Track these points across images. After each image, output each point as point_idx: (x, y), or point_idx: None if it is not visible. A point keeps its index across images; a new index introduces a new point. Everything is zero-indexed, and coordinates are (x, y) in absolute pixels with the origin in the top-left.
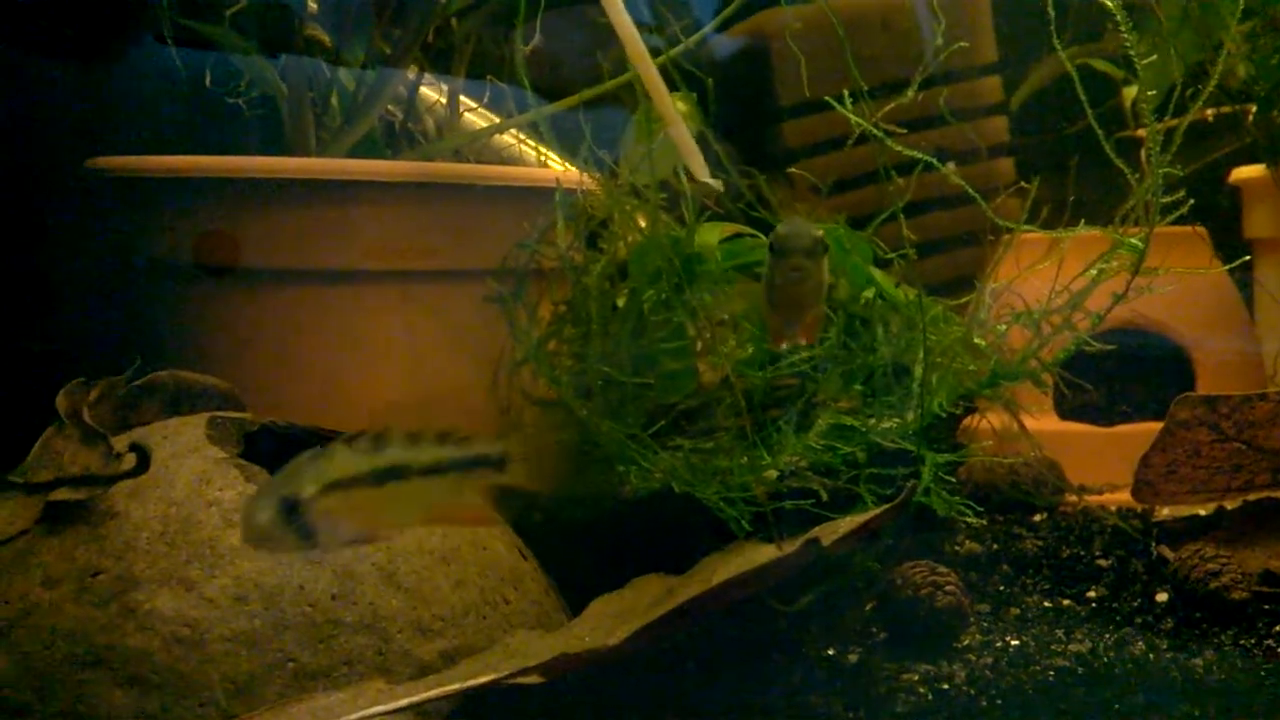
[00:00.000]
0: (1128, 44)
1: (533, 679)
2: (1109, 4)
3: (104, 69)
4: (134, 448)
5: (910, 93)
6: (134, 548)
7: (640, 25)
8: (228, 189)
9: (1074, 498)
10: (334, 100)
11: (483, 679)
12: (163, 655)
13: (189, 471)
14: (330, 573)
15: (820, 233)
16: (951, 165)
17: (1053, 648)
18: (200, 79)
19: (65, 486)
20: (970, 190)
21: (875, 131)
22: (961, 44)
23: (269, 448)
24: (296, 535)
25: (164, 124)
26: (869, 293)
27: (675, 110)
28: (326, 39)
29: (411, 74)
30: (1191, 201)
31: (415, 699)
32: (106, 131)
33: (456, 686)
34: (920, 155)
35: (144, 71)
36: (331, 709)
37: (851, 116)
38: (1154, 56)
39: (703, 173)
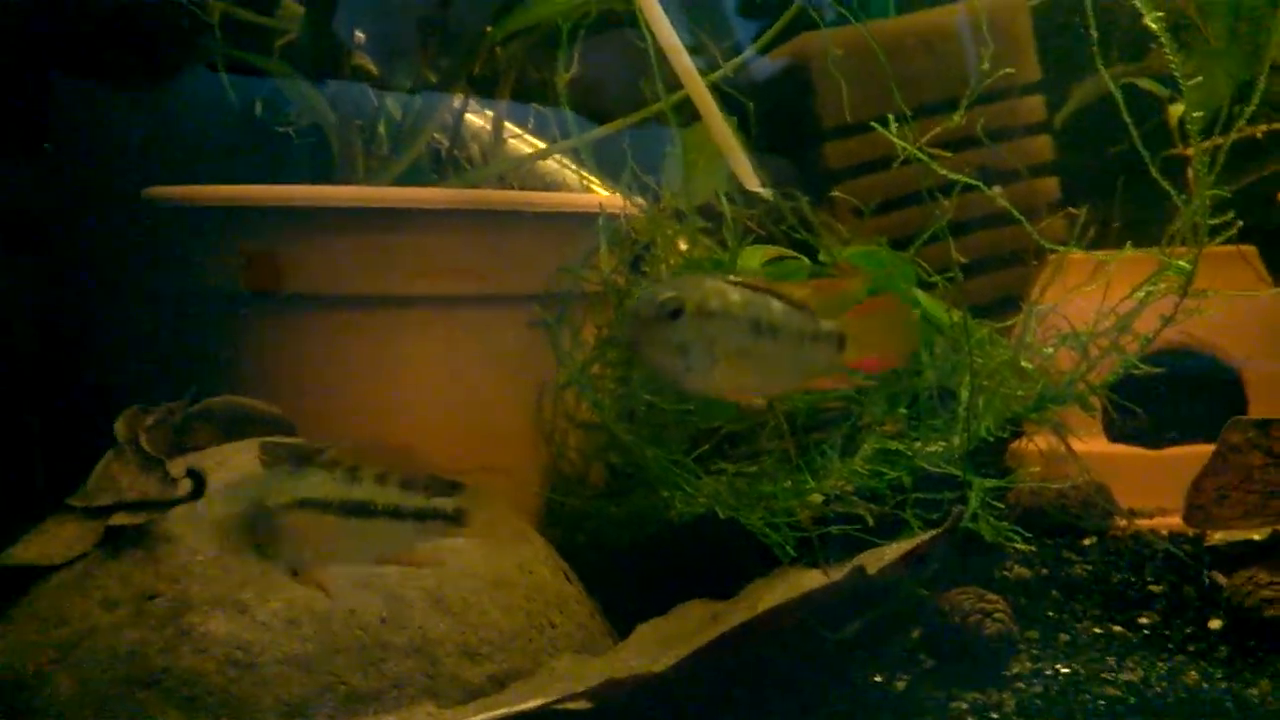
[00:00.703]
0: (1173, 64)
1: (580, 705)
2: (1153, 25)
3: (159, 99)
4: (189, 473)
5: (957, 116)
6: (189, 571)
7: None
8: (278, 217)
9: (1124, 522)
10: (381, 128)
11: (531, 704)
12: (217, 677)
13: None
14: (380, 597)
15: (682, 294)
16: (997, 187)
17: (1104, 675)
18: (251, 108)
19: (123, 511)
20: (1014, 211)
21: (918, 154)
22: (1006, 69)
23: None
24: (254, 541)
25: (217, 153)
26: (915, 314)
27: (723, 122)
28: (374, 68)
29: (457, 101)
30: (1240, 223)
31: None
32: (161, 161)
33: (504, 711)
34: (964, 178)
35: (197, 101)
36: None
37: (895, 140)
38: (1199, 77)
39: (752, 182)
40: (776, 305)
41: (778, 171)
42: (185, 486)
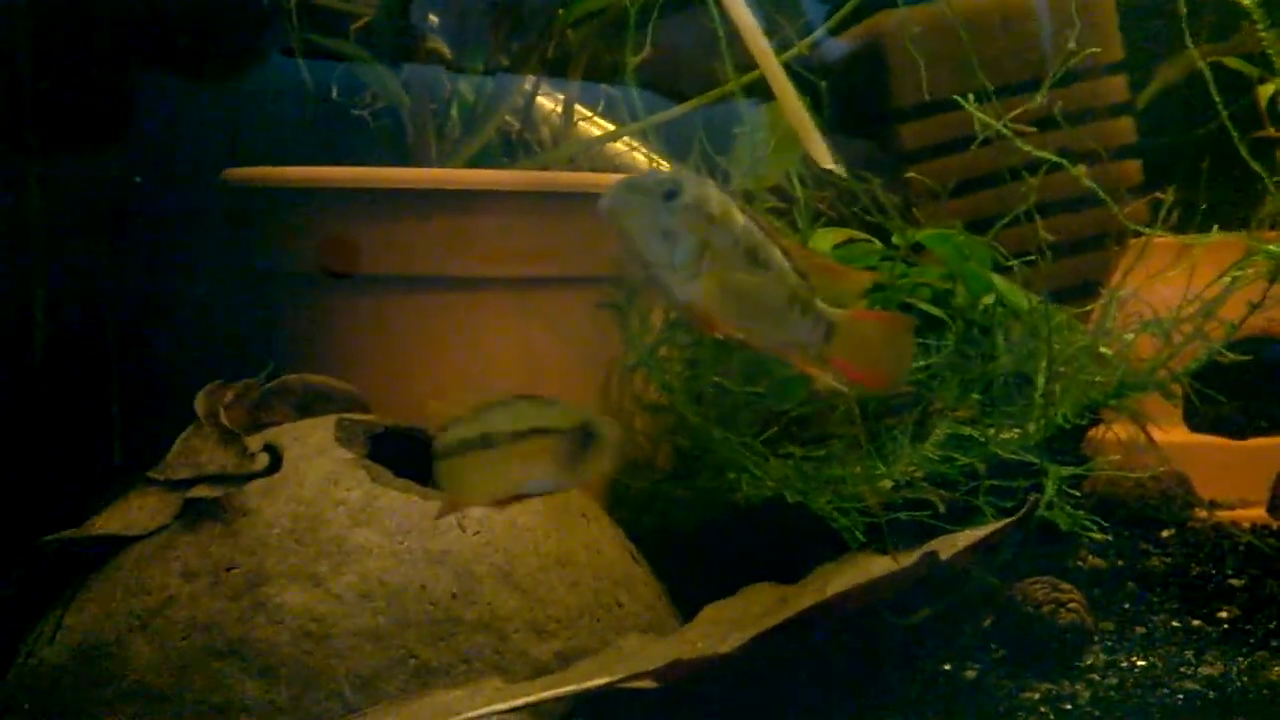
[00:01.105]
0: (1266, 41)
1: (646, 683)
2: (1245, 1)
3: (239, 85)
4: (267, 448)
5: (1040, 97)
6: (265, 544)
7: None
8: (353, 199)
9: (1204, 513)
10: (454, 111)
11: (597, 681)
12: (291, 648)
13: (318, 472)
14: (451, 572)
15: (684, 182)
16: (1081, 167)
17: (1181, 670)
18: (327, 91)
19: (202, 484)
20: (1099, 191)
21: (1005, 131)
22: (1089, 47)
23: (394, 450)
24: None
25: (294, 136)
26: (988, 299)
27: (798, 101)
28: (447, 51)
29: (528, 84)
30: None
31: (531, 699)
32: (240, 145)
33: (572, 688)
34: (1049, 156)
35: (274, 85)
36: (450, 705)
37: (980, 115)
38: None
39: (827, 160)
40: (778, 254)
41: (851, 153)
42: (263, 461)
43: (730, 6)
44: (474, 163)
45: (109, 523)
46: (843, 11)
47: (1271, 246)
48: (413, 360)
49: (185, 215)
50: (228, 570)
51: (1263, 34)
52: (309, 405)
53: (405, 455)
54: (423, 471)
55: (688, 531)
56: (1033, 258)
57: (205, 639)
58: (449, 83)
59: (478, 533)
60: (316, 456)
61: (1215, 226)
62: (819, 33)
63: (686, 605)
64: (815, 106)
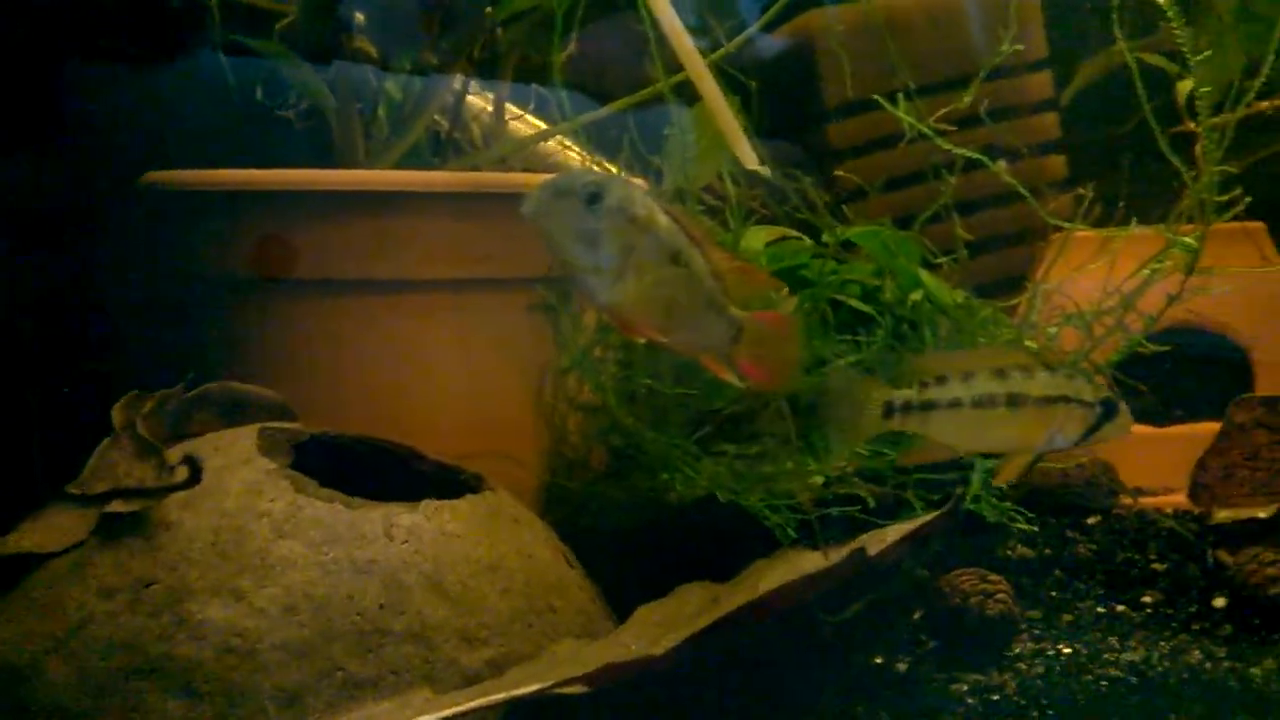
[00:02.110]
0: (1179, 40)
1: (577, 689)
2: (1161, 1)
3: (160, 84)
4: (186, 460)
5: (967, 98)
6: (187, 558)
7: (689, 28)
8: (277, 202)
9: (1128, 500)
10: (381, 111)
11: (528, 688)
12: (215, 665)
13: (240, 482)
14: (378, 582)
15: (607, 185)
16: (1002, 163)
17: (1106, 656)
18: (252, 91)
19: (120, 498)
20: (1020, 187)
21: (926, 131)
22: (1014, 44)
23: (319, 458)
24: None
25: (218, 137)
26: (916, 295)
27: (724, 103)
28: (374, 49)
29: (457, 84)
30: (1249, 199)
31: (461, 709)
32: (161, 145)
33: (502, 696)
34: (968, 153)
35: (197, 84)
36: (378, 718)
37: (901, 116)
38: (1208, 53)
39: (751, 160)
40: (699, 257)
41: (782, 152)
42: (182, 474)
43: (656, 10)
44: (402, 163)
45: (23, 540)
46: (773, 11)
47: (1188, 239)
48: (341, 366)
49: (106, 219)
50: (147, 586)
51: (1177, 32)
52: (232, 414)
53: (330, 464)
54: (348, 480)
55: (623, 531)
56: (960, 253)
57: (125, 658)
58: (376, 82)
59: (406, 541)
60: (239, 467)
61: (1134, 221)
62: (746, 34)
63: (622, 606)
64: (746, 106)
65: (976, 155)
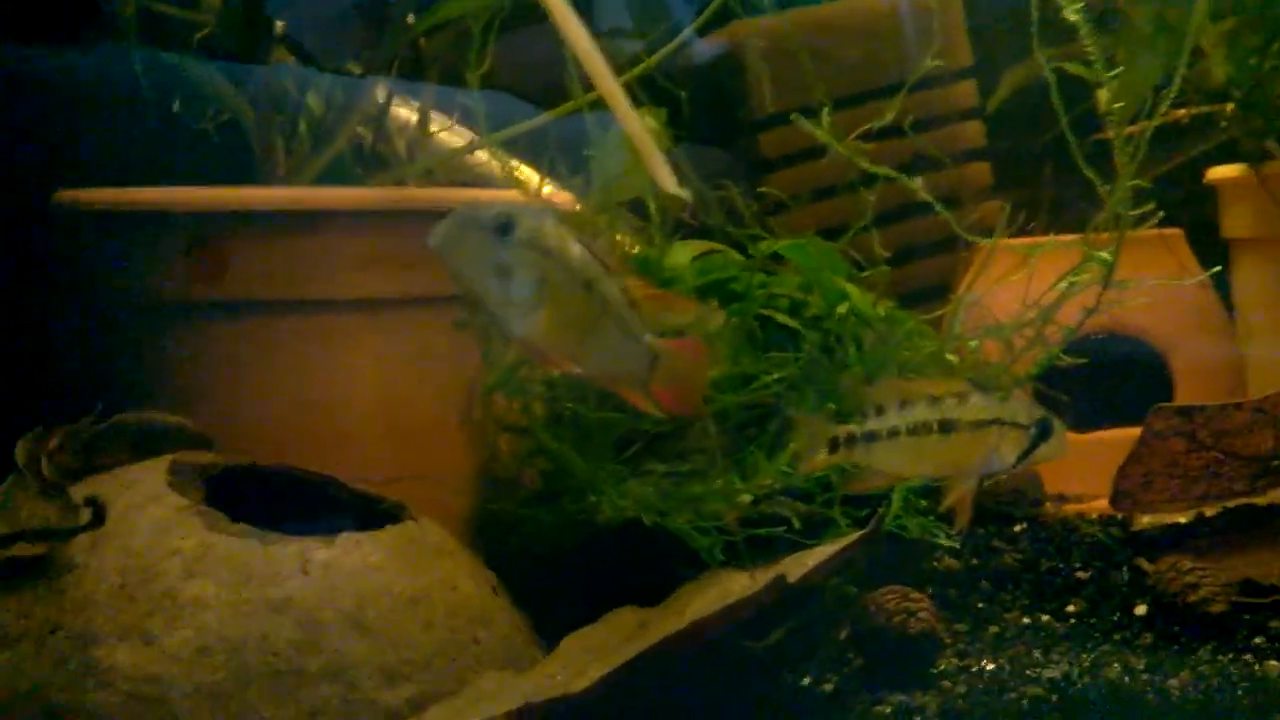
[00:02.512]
0: (1090, 54)
1: None
2: (1073, 16)
3: (73, 95)
4: (89, 501)
5: (891, 114)
6: (93, 602)
7: (621, 32)
8: (192, 222)
9: (1052, 508)
10: (302, 125)
11: None
12: (123, 713)
13: (149, 521)
14: (293, 621)
15: (517, 216)
16: (919, 179)
17: (1027, 672)
18: (169, 103)
19: (23, 541)
20: (931, 200)
21: (836, 145)
22: (939, 53)
23: (234, 490)
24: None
25: (135, 152)
26: (842, 308)
27: (639, 122)
28: (294, 60)
29: (381, 95)
30: (1161, 213)
31: None
32: (78, 161)
33: None
34: (884, 171)
35: (111, 95)
36: None
37: (815, 130)
38: (1121, 68)
39: (669, 183)
40: (614, 287)
41: (715, 160)
42: (85, 515)
43: (562, 26)
44: (325, 177)
45: None
46: (703, 18)
47: (1104, 253)
48: (261, 390)
49: (13, 240)
50: (52, 633)
51: (1088, 46)
52: (145, 444)
53: (247, 496)
54: (265, 511)
55: (554, 554)
56: (881, 266)
57: (29, 708)
58: (297, 94)
59: (323, 577)
60: (148, 504)
61: (1051, 233)
62: (673, 44)
63: (554, 630)
64: (676, 114)
65: (890, 172)
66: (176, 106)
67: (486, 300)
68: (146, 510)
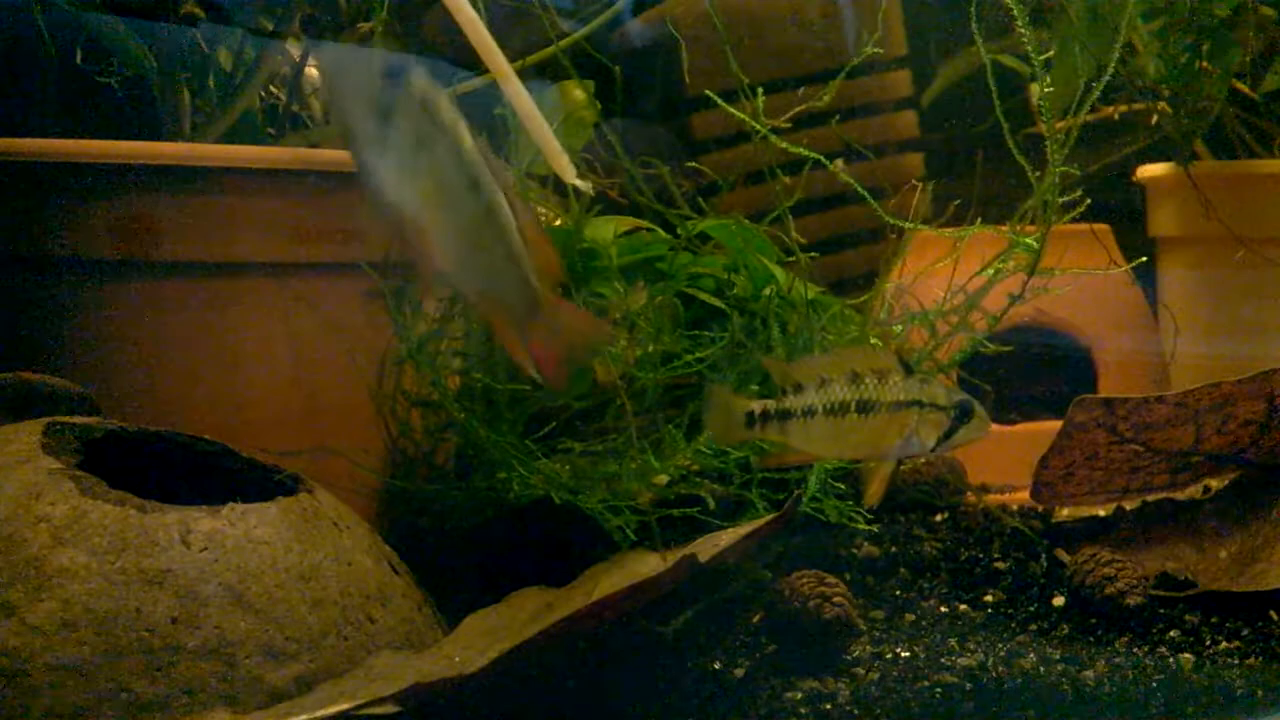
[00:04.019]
0: (1026, 44)
1: (387, 709)
2: (1011, 5)
3: None
4: None
5: (825, 99)
6: None
7: (558, 7)
8: (90, 175)
9: (974, 498)
10: (210, 81)
11: (334, 709)
12: None
13: (17, 484)
14: (171, 594)
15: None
16: (840, 162)
17: (943, 660)
18: (71, 55)
19: None
20: (858, 187)
21: (757, 126)
22: (874, 41)
23: (118, 456)
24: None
25: (33, 102)
26: (768, 290)
27: (532, 105)
28: (203, 12)
29: (296, 53)
30: (1089, 201)
31: None
32: None
33: (305, 716)
34: (810, 153)
35: (13, 45)
36: None
37: (739, 114)
38: (1049, 54)
39: (567, 172)
40: (504, 204)
41: (655, 138)
42: None
43: (453, 9)
44: (234, 136)
45: None
46: None
47: (1029, 240)
48: (156, 355)
49: None
50: None
51: (1024, 38)
52: (26, 407)
53: (133, 464)
54: (153, 480)
55: (463, 533)
56: (816, 249)
57: None
58: (206, 49)
59: (205, 549)
60: (16, 467)
61: (978, 220)
62: (597, 22)
63: (461, 611)
64: (609, 90)
65: (811, 154)
66: (79, 59)
67: (359, 139)
68: (14, 472)
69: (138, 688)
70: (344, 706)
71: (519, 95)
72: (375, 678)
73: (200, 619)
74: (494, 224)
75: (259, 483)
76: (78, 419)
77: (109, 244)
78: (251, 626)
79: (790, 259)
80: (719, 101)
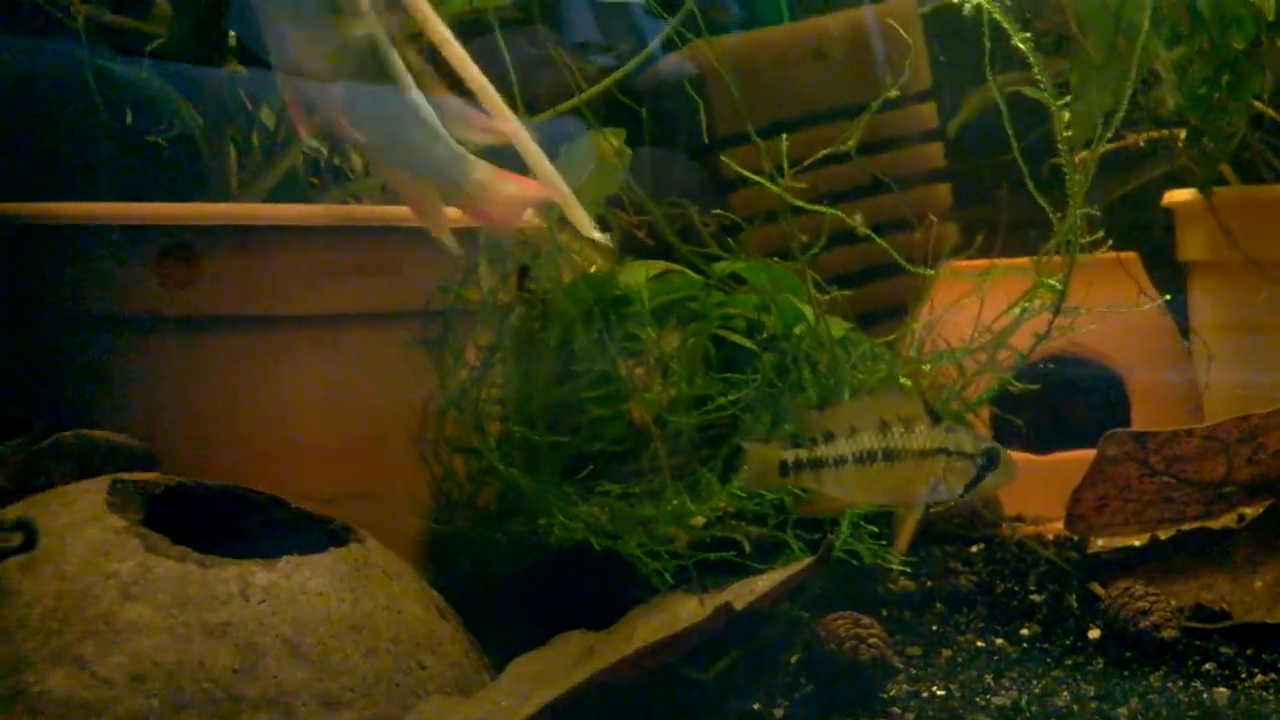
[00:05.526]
0: (1042, 84)
1: None
2: (1022, 46)
3: (30, 105)
4: (19, 524)
5: (854, 136)
6: (25, 626)
7: (591, 45)
8: (139, 237)
9: (1009, 529)
10: (255, 139)
11: None
12: None
13: (85, 542)
14: (232, 646)
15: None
16: (858, 216)
17: (977, 699)
18: (122, 115)
19: None
20: (866, 231)
21: (767, 182)
22: (900, 75)
23: (176, 510)
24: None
25: (87, 162)
26: (799, 329)
27: (548, 163)
28: (245, 72)
29: None
30: (1110, 240)
31: None
32: (26, 170)
33: None
34: (813, 209)
35: (67, 106)
36: None
37: (761, 154)
38: (1068, 99)
39: (585, 226)
40: (411, 83)
41: (676, 178)
42: (16, 539)
43: (458, 69)
44: (278, 191)
45: None
46: (661, 35)
47: (1053, 281)
48: (207, 407)
49: None
50: None
51: (1038, 76)
52: (89, 463)
53: (189, 516)
54: (210, 531)
55: (505, 576)
56: (845, 283)
57: None
58: (250, 108)
59: (262, 601)
60: (85, 525)
61: (1008, 254)
62: (638, 59)
63: (504, 651)
64: (638, 129)
65: (825, 209)
66: (129, 119)
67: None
68: (83, 531)
69: None
70: None
71: (536, 157)
72: None
73: (259, 670)
74: (406, 101)
75: (311, 533)
76: (139, 475)
77: (157, 301)
78: (307, 676)
79: (824, 296)
80: (749, 136)
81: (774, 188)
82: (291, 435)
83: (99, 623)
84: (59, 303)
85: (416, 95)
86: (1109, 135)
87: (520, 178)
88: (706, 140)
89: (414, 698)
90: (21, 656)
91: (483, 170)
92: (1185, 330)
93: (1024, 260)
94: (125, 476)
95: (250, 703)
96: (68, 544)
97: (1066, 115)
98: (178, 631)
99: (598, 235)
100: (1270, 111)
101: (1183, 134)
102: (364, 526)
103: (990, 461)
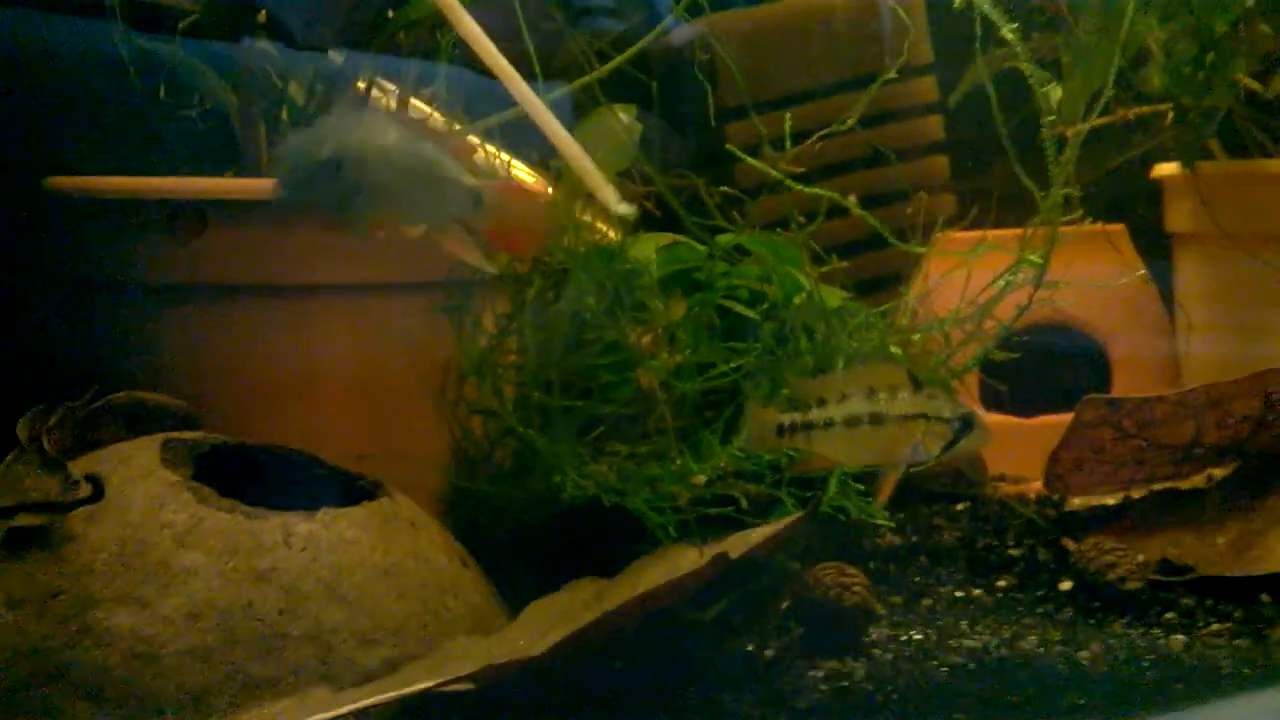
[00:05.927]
0: (1029, 72)
1: (465, 686)
2: (1009, 35)
3: (64, 81)
4: (89, 477)
5: (857, 109)
6: (91, 569)
7: (600, 9)
8: (182, 208)
9: (993, 489)
10: (284, 114)
11: (418, 686)
12: (120, 670)
13: (143, 495)
14: (277, 589)
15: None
16: (852, 197)
17: (951, 643)
18: (155, 91)
19: (26, 512)
20: (857, 209)
21: (765, 157)
22: (901, 49)
23: (220, 466)
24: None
25: (121, 136)
26: (799, 299)
27: (573, 143)
28: (276, 52)
29: (361, 83)
30: (1090, 218)
31: (356, 705)
32: (63, 145)
33: (394, 694)
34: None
35: (101, 82)
36: (278, 715)
37: (759, 127)
38: (1053, 82)
39: (613, 201)
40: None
41: (684, 149)
42: (86, 489)
43: (473, 45)
44: None
45: None
46: (676, 10)
47: (1034, 257)
48: (243, 370)
49: (4, 224)
50: (54, 597)
51: (1024, 64)
52: (137, 423)
53: (232, 471)
54: (250, 487)
55: (521, 530)
56: (848, 252)
57: (32, 664)
58: (279, 84)
59: (304, 549)
60: (142, 479)
61: (1003, 225)
62: (653, 35)
63: (520, 597)
64: (647, 105)
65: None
66: (163, 93)
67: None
68: (141, 485)
69: (252, 670)
70: (428, 684)
71: (558, 133)
72: (451, 658)
73: (302, 611)
74: (405, 150)
75: (344, 488)
76: (187, 434)
77: (193, 270)
78: (345, 616)
79: (822, 268)
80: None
81: (767, 165)
82: (322, 398)
83: (158, 568)
84: (103, 273)
85: (412, 140)
86: (1097, 113)
87: (518, 183)
88: (711, 112)
89: (440, 637)
90: (90, 596)
91: (489, 194)
92: (1171, 300)
93: (1015, 232)
94: (176, 435)
95: (294, 640)
96: (128, 496)
97: (1056, 93)
98: (228, 576)
99: (625, 209)
100: (1259, 87)
101: (1170, 110)
102: (391, 482)
103: (965, 426)
